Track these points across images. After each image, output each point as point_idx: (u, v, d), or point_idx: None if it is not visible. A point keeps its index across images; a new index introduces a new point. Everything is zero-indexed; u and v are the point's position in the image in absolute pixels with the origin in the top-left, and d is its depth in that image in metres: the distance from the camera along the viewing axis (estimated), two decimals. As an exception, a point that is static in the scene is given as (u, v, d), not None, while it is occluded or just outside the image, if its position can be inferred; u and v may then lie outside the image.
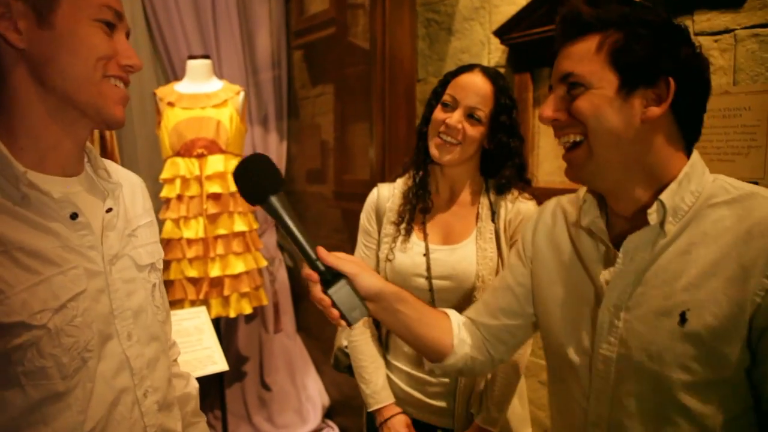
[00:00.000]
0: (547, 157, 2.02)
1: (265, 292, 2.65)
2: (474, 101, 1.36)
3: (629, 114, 0.83)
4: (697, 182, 0.85)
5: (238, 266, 2.35)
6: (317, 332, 3.26)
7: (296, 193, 3.37)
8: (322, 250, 0.93)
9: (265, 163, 0.92)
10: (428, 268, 1.41)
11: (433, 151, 1.39)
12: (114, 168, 1.00)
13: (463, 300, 1.40)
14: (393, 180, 1.56)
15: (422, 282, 1.41)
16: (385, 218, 1.49)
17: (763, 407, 0.81)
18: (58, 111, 0.84)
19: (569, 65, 0.87)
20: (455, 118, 1.35)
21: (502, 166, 1.42)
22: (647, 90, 0.83)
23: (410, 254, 1.43)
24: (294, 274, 3.32)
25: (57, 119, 0.84)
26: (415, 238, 1.45)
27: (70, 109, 0.84)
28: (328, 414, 3.13)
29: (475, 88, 1.37)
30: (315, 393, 3.07)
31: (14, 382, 0.76)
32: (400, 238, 1.44)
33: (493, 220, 1.41)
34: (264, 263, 2.55)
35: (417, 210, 1.47)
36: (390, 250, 1.45)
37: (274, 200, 0.90)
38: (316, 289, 0.94)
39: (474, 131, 1.37)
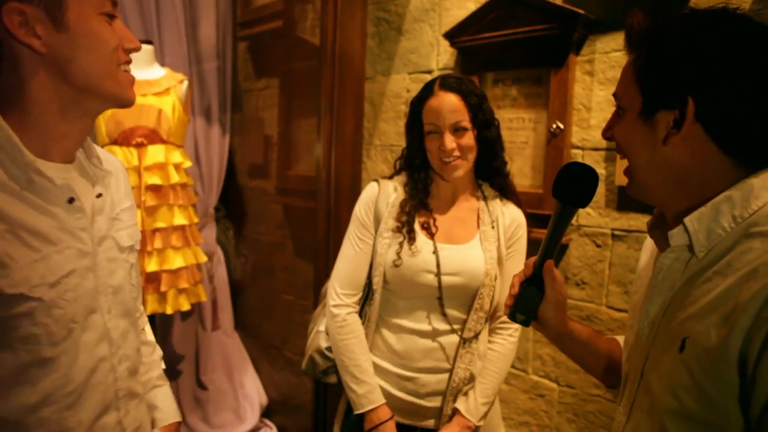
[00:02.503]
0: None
1: (203, 288, 2.57)
2: (453, 118, 1.42)
3: (653, 138, 0.80)
4: (743, 206, 0.75)
5: (176, 261, 2.27)
6: (256, 330, 3.20)
7: (238, 186, 3.30)
8: (551, 264, 1.01)
9: (594, 181, 0.96)
10: (438, 265, 1.43)
11: (447, 177, 1.46)
12: (103, 155, 1.07)
13: (469, 296, 1.46)
14: (389, 177, 1.58)
15: (431, 278, 1.44)
16: (387, 213, 1.49)
17: None
18: (74, 105, 0.90)
19: (618, 85, 0.86)
20: (447, 141, 1.41)
21: (489, 158, 1.50)
22: (668, 113, 0.78)
23: (419, 255, 1.45)
24: (233, 266, 3.25)
25: (69, 114, 0.91)
26: (422, 237, 1.47)
27: (88, 100, 0.92)
28: (266, 413, 3.08)
29: (448, 106, 1.42)
30: (253, 392, 3.01)
31: (8, 345, 0.84)
32: (405, 244, 1.45)
33: (493, 227, 1.48)
34: (204, 259, 2.47)
35: (420, 215, 1.50)
36: (397, 255, 1.45)
37: (572, 211, 0.98)
38: (517, 277, 1.04)
39: (467, 140, 1.43)
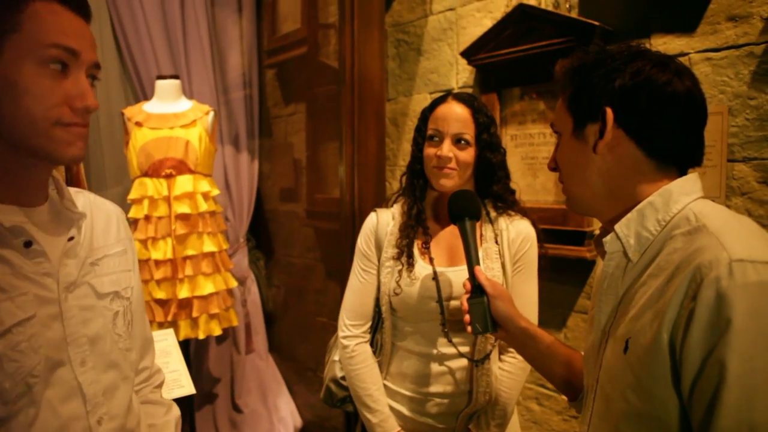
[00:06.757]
0: (512, 177, 2.04)
1: (236, 312, 2.61)
2: (457, 128, 1.40)
3: (585, 149, 0.91)
4: (665, 210, 0.84)
5: (207, 287, 2.32)
6: (290, 352, 3.22)
7: (269, 211, 3.35)
8: (478, 269, 1.19)
9: (471, 197, 1.31)
10: (438, 290, 1.41)
11: (435, 183, 1.43)
12: (90, 199, 1.02)
13: None
14: (389, 206, 1.57)
15: (433, 305, 1.41)
16: (386, 242, 1.49)
17: None
18: (10, 154, 0.83)
19: (554, 117, 0.99)
20: (445, 148, 1.39)
21: (491, 181, 1.46)
22: (594, 125, 0.89)
23: (418, 282, 1.43)
24: (265, 294, 3.29)
25: (9, 161, 0.83)
26: (421, 263, 1.45)
27: (21, 152, 0.83)
28: (301, 436, 3.09)
29: (455, 115, 1.41)
30: (287, 414, 3.02)
31: None
32: (404, 271, 1.44)
33: (496, 242, 1.44)
34: (234, 284, 2.51)
35: (418, 237, 1.48)
36: (396, 283, 1.44)
37: (467, 222, 1.26)
38: (464, 297, 1.19)
39: (465, 155, 1.41)
